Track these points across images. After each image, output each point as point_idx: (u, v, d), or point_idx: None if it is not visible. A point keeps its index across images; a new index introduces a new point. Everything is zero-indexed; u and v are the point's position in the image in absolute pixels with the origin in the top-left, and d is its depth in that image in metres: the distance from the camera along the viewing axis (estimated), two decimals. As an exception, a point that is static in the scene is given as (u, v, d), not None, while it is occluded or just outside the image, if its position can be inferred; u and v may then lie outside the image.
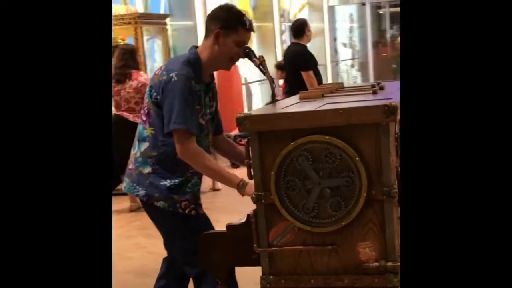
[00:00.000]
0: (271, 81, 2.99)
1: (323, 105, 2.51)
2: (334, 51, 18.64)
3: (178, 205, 2.99)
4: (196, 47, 3.10)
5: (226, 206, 6.56)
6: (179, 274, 3.26)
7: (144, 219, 3.79)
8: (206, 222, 3.09)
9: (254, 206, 2.45)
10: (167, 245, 3.21)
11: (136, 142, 3.10)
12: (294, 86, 6.40)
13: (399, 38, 21.59)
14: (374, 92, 2.78)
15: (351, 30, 19.85)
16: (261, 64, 3.01)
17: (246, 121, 2.41)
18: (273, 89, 2.93)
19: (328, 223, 2.38)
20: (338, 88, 3.18)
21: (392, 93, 2.75)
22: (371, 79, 18.21)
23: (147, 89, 3.06)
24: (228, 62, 3.10)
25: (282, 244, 2.46)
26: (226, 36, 2.98)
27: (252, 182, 2.96)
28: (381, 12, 20.40)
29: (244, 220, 2.56)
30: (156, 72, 3.05)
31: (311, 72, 7.06)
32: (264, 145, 2.43)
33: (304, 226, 2.40)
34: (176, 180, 3.00)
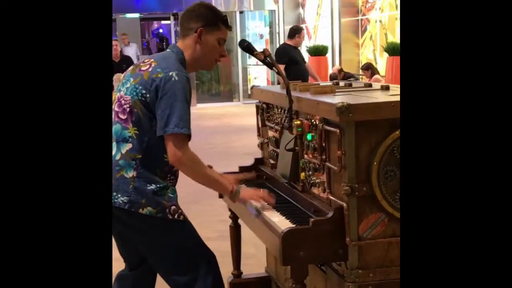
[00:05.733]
0: (284, 75, 2.81)
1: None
2: None
3: (167, 210, 2.64)
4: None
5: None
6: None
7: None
8: (192, 227, 2.80)
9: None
10: (149, 256, 2.79)
11: (113, 144, 2.66)
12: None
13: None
14: (386, 89, 2.87)
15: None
16: (266, 58, 2.82)
17: (348, 111, 2.32)
18: (287, 84, 2.76)
19: (423, 212, 2.41)
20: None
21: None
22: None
23: (128, 86, 2.67)
24: (212, 62, 2.86)
25: (372, 237, 2.41)
26: (209, 33, 2.76)
27: (245, 188, 2.83)
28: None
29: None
30: (143, 69, 2.67)
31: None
32: (361, 135, 2.37)
33: (402, 217, 2.39)
34: (160, 185, 2.67)
